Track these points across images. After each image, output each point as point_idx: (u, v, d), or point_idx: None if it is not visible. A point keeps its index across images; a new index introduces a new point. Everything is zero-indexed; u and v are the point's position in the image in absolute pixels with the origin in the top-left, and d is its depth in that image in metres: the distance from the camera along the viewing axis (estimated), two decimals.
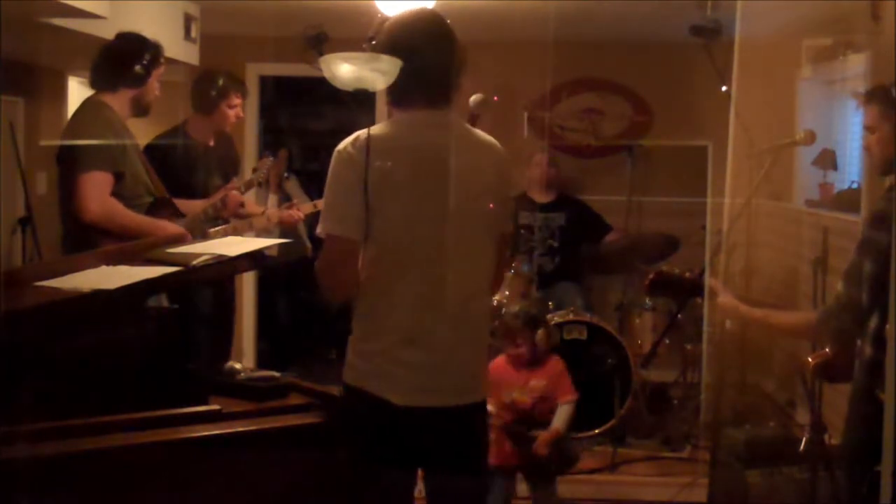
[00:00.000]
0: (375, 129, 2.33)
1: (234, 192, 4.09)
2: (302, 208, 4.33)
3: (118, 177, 3.56)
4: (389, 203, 2.28)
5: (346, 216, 2.28)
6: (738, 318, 3.13)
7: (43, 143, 5.17)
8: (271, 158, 4.44)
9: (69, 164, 3.55)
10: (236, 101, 4.36)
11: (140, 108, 3.75)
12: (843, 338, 2.63)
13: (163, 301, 3.35)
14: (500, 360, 3.98)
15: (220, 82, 4.31)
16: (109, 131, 3.60)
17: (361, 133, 2.32)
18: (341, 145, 2.33)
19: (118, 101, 3.68)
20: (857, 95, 3.31)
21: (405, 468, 2.37)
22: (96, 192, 3.49)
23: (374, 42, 2.37)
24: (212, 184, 4.25)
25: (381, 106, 5.91)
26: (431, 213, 2.33)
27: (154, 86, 3.78)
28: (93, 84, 3.74)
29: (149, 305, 2.77)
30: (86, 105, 3.74)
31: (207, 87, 4.30)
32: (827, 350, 2.96)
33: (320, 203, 4.19)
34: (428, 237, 2.33)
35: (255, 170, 4.37)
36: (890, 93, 2.71)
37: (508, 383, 3.89)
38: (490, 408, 3.92)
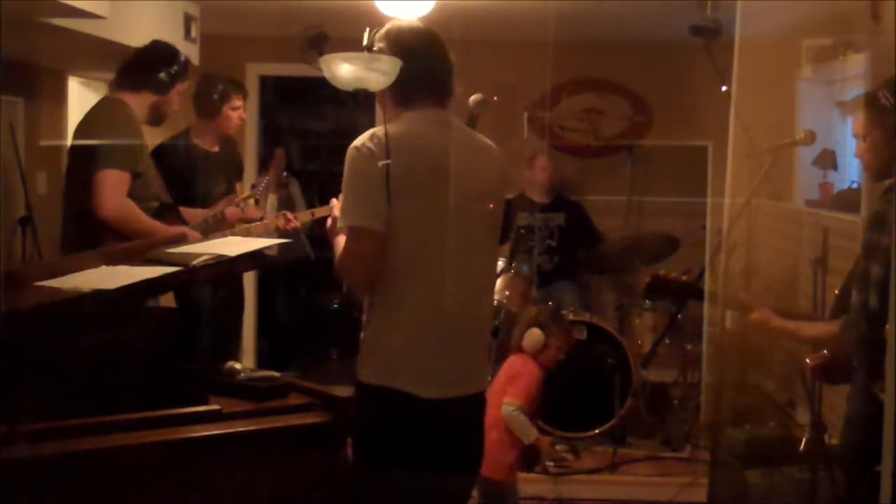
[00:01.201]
0: (391, 127, 2.35)
1: (233, 209, 4.12)
2: (300, 217, 4.33)
3: (135, 177, 3.58)
4: (408, 198, 2.32)
5: (369, 209, 2.31)
6: (771, 332, 3.11)
7: (43, 143, 5.17)
8: (266, 178, 4.46)
9: (86, 159, 3.56)
10: (238, 102, 4.39)
11: (157, 116, 3.82)
12: (866, 345, 2.61)
13: (159, 301, 3.36)
14: (530, 365, 3.82)
15: (221, 86, 4.34)
16: (129, 130, 3.64)
17: (377, 130, 2.35)
18: (358, 142, 2.34)
19: (138, 104, 3.73)
20: (842, 105, 3.29)
21: (425, 464, 2.37)
22: (114, 190, 3.51)
23: (373, 49, 2.39)
24: (216, 190, 4.26)
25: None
26: (446, 209, 2.37)
27: (174, 98, 3.84)
28: (116, 83, 3.78)
29: (148, 305, 2.77)
30: (106, 102, 3.77)
31: (209, 91, 4.33)
32: (825, 352, 2.96)
33: (318, 211, 4.25)
34: (442, 232, 2.37)
35: (253, 186, 4.39)
36: (877, 98, 2.69)
37: (538, 388, 3.83)
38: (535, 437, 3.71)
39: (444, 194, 2.37)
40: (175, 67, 3.80)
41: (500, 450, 3.55)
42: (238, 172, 4.59)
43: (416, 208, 2.33)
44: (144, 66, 3.75)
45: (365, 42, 2.40)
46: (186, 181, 4.16)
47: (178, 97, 3.89)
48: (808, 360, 2.99)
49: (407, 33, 2.43)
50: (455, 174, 2.38)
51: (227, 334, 4.39)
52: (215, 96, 4.31)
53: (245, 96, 4.51)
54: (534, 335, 3.81)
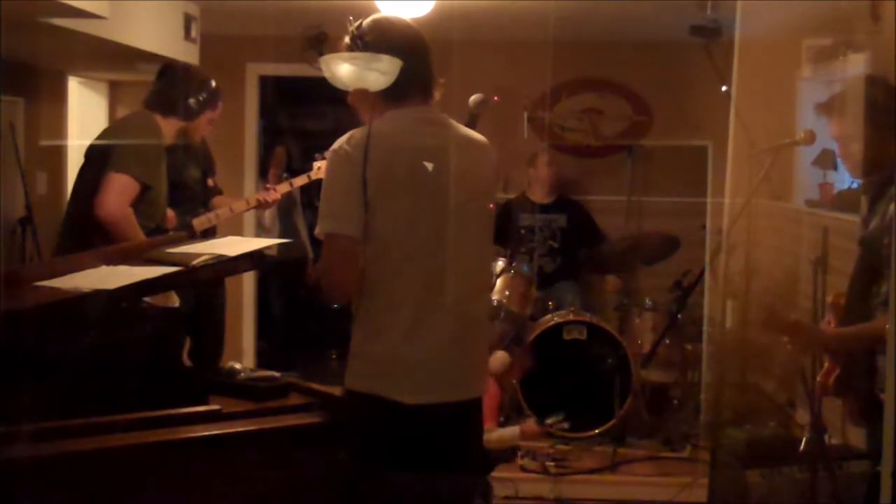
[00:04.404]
0: (372, 127, 2.31)
1: (271, 192, 4.18)
2: (295, 181, 4.28)
3: (144, 189, 3.61)
4: (389, 200, 2.28)
5: (346, 214, 2.27)
6: (823, 345, 3.04)
7: (43, 143, 5.18)
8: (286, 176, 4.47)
9: (102, 161, 3.59)
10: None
11: (183, 142, 3.89)
12: None
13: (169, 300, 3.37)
14: (493, 388, 3.90)
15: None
16: (153, 146, 3.69)
17: (356, 131, 2.32)
18: (336, 144, 2.33)
19: (166, 127, 3.79)
20: (819, 107, 3.24)
21: (417, 469, 2.34)
22: (119, 194, 3.54)
23: (358, 40, 2.34)
24: (189, 176, 4.22)
25: None
26: (433, 209, 2.33)
27: (203, 125, 3.91)
28: (147, 103, 3.84)
29: (147, 304, 2.77)
30: (141, 115, 3.85)
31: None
32: (832, 364, 2.93)
33: (297, 181, 4.24)
34: (429, 233, 2.34)
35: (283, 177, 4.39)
36: (855, 99, 2.69)
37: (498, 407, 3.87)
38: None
39: (432, 194, 2.33)
40: (204, 94, 3.85)
41: None
42: (209, 160, 4.53)
43: (400, 210, 2.29)
44: (174, 91, 3.79)
45: (350, 32, 2.36)
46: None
47: (208, 125, 3.95)
48: (818, 378, 2.95)
49: (397, 26, 2.40)
50: (442, 172, 2.33)
51: (209, 336, 4.36)
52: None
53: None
54: (499, 357, 3.84)
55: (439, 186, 2.34)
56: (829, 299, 3.10)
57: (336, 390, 2.49)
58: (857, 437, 3.34)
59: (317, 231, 2.34)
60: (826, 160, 4.96)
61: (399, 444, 2.32)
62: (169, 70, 3.91)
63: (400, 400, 2.29)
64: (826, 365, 3.00)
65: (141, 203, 3.62)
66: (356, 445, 2.34)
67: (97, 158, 3.64)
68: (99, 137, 3.79)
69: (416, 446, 2.33)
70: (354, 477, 2.33)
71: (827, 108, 3.04)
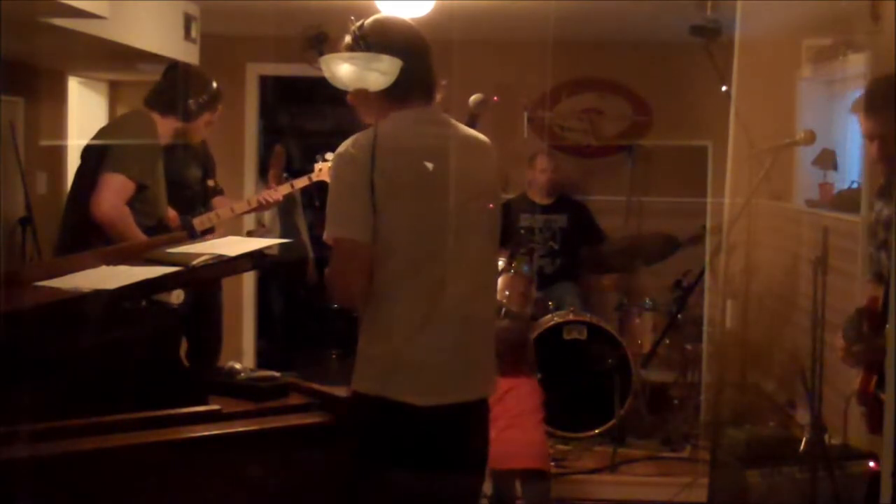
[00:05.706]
0: (377, 129, 2.29)
1: (272, 192, 4.19)
2: (296, 183, 4.25)
3: (140, 188, 3.63)
4: (396, 202, 2.27)
5: (354, 218, 2.26)
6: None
7: (43, 143, 5.18)
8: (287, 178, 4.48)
9: (98, 161, 3.61)
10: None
11: (182, 141, 3.91)
12: None
13: (173, 297, 3.37)
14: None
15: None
16: (149, 144, 3.71)
17: (360, 134, 2.31)
18: (341, 148, 2.31)
19: (164, 126, 3.81)
20: (854, 106, 3.23)
21: (424, 471, 2.33)
22: (115, 193, 3.57)
23: (359, 39, 2.33)
24: (189, 176, 4.23)
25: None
26: (439, 211, 2.32)
27: (200, 126, 3.93)
28: (147, 101, 3.86)
29: (147, 305, 2.77)
30: (136, 115, 3.88)
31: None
32: (868, 373, 2.91)
33: (298, 182, 4.24)
34: (435, 234, 2.33)
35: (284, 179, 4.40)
36: (887, 98, 2.68)
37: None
38: None
39: (437, 195, 2.32)
40: (204, 96, 3.87)
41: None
42: (210, 166, 4.53)
43: (407, 212, 2.28)
44: (174, 91, 3.81)
45: (351, 32, 2.35)
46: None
47: (206, 126, 3.96)
48: (857, 388, 2.92)
49: (398, 27, 2.39)
50: (447, 174, 2.32)
51: (209, 335, 4.36)
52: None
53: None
54: None
55: (445, 188, 2.32)
56: (862, 303, 3.06)
57: (336, 390, 2.49)
58: (876, 446, 3.30)
59: (325, 236, 2.32)
60: (826, 160, 4.96)
61: (407, 446, 2.31)
62: (174, 69, 3.93)
63: (408, 402, 2.28)
64: (862, 374, 2.98)
65: (138, 202, 3.63)
66: (364, 447, 2.33)
67: (93, 158, 3.65)
68: (94, 137, 3.81)
69: (424, 448, 2.32)
70: (357, 477, 2.33)
71: (859, 105, 3.04)
